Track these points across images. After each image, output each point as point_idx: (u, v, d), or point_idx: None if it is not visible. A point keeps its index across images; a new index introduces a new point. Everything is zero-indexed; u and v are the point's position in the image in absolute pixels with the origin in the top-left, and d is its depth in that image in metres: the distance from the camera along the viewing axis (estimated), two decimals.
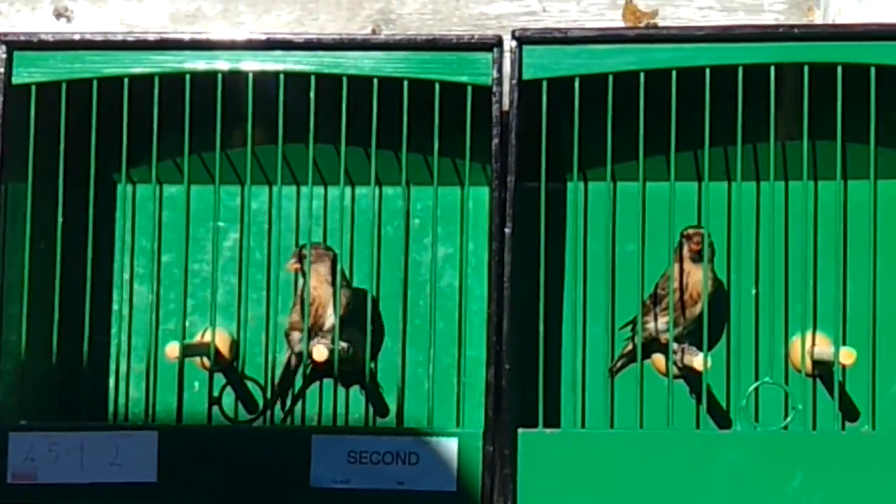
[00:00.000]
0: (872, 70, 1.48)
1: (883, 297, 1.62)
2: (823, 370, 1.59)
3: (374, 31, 1.79)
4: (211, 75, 1.55)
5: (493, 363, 1.47)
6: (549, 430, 1.48)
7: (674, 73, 1.49)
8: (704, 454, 1.46)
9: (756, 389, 1.55)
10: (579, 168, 1.55)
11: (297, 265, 1.61)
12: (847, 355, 1.50)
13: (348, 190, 1.68)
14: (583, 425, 1.63)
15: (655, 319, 1.61)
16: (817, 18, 1.75)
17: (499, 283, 1.47)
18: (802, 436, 1.47)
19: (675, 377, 1.59)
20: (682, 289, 1.59)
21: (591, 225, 1.65)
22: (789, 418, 1.49)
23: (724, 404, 1.61)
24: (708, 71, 1.51)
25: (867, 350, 1.58)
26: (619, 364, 1.65)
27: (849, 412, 1.62)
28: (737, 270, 1.59)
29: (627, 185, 1.63)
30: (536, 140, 1.52)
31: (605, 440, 1.48)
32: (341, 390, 1.66)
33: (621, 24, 1.76)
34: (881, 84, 1.48)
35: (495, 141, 1.47)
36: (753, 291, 1.63)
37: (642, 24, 1.75)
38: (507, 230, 1.46)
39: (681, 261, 1.59)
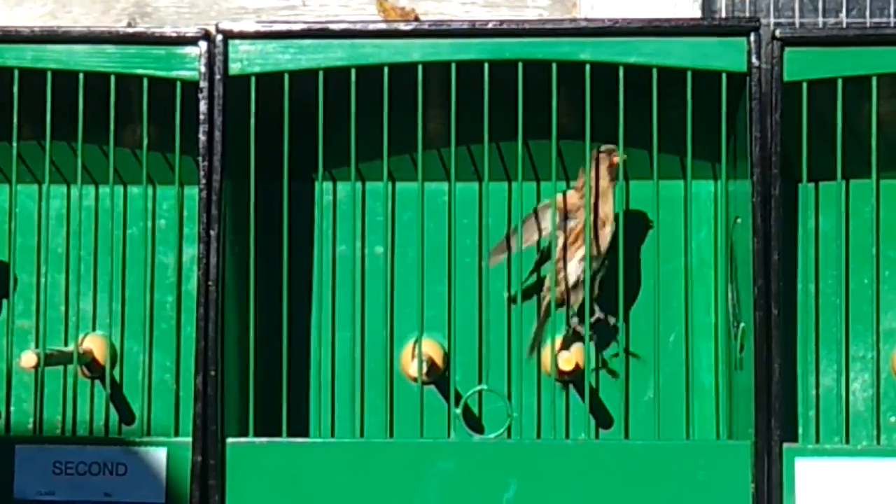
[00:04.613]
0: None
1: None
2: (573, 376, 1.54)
3: (129, 25, 1.73)
4: None
5: (201, 370, 1.41)
6: (259, 440, 1.42)
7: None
8: (421, 464, 1.40)
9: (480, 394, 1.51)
10: (325, 167, 1.51)
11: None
12: (566, 361, 1.45)
13: (91, 189, 1.62)
14: (332, 434, 1.58)
15: (566, 259, 1.49)
16: (581, 14, 1.71)
17: (204, 288, 1.41)
18: (517, 445, 1.42)
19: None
20: (596, 211, 1.49)
21: (339, 226, 1.60)
22: (503, 427, 1.43)
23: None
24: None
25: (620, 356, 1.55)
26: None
27: (603, 419, 1.58)
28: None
29: (375, 185, 1.58)
30: (278, 137, 1.46)
31: (321, 450, 1.42)
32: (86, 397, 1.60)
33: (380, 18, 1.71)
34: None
35: (202, 138, 1.40)
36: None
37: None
38: (212, 232, 1.40)
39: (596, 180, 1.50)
